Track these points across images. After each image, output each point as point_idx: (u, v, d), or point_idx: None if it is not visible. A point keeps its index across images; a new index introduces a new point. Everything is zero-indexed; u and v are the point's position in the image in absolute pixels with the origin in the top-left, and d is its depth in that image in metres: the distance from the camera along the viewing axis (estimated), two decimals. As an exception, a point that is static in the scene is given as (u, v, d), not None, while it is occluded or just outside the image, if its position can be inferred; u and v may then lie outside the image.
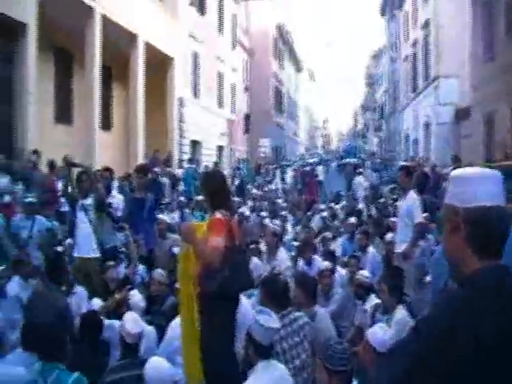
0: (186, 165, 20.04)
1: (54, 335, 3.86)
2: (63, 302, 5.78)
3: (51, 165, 11.56)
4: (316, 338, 4.94)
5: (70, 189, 7.95)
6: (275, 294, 4.85)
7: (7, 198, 9.73)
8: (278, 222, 11.49)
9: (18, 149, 13.31)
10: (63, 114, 17.44)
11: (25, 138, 13.45)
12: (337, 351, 3.49)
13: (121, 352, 4.68)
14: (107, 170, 8.77)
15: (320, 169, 26.56)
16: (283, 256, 7.84)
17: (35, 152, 11.97)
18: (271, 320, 3.92)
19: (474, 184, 1.75)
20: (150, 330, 5.43)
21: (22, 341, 4.44)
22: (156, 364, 3.84)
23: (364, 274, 6.63)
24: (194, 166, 19.72)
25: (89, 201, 7.74)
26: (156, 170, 14.36)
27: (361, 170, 22.27)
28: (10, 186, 10.49)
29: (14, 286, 6.29)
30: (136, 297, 5.65)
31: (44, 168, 12.08)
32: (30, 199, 8.63)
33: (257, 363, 3.86)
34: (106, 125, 19.75)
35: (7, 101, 13.55)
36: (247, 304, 5.70)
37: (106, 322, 5.22)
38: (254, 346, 3.88)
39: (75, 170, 8.02)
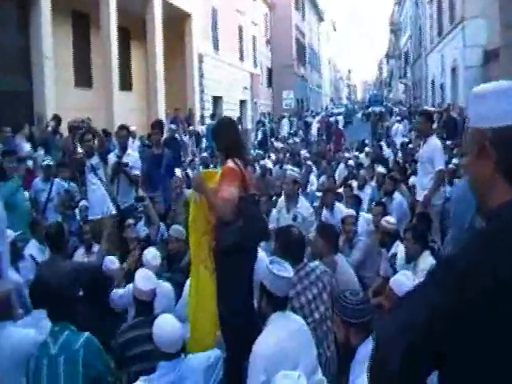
0: (208, 121, 19.74)
1: (61, 294, 3.79)
2: (72, 264, 5.85)
3: (70, 130, 11.45)
4: (336, 289, 4.75)
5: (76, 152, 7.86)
6: (289, 245, 4.64)
7: (29, 164, 9.70)
8: (298, 170, 11.11)
9: (38, 115, 13.39)
10: (82, 77, 17.28)
11: (45, 103, 13.54)
12: (350, 302, 3.26)
13: (134, 310, 4.58)
14: (123, 128, 8.57)
15: (341, 118, 26.09)
16: (304, 203, 7.59)
17: (55, 117, 11.89)
18: (285, 269, 3.71)
19: (501, 100, 1.47)
20: (167, 287, 5.33)
21: (31, 299, 4.46)
22: (164, 322, 3.70)
23: (389, 219, 6.40)
24: (210, 123, 19.37)
25: (96, 160, 7.62)
26: (172, 126, 14.13)
27: (398, 117, 21.74)
28: (32, 152, 10.47)
29: (32, 248, 6.28)
30: (149, 254, 5.53)
31: (65, 132, 12.01)
32: (47, 162, 8.55)
33: (270, 315, 3.69)
34: (126, 86, 19.61)
35: (26, 69, 13.64)
36: (264, 257, 5.56)
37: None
38: (268, 297, 3.69)
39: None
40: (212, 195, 4.42)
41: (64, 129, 11.70)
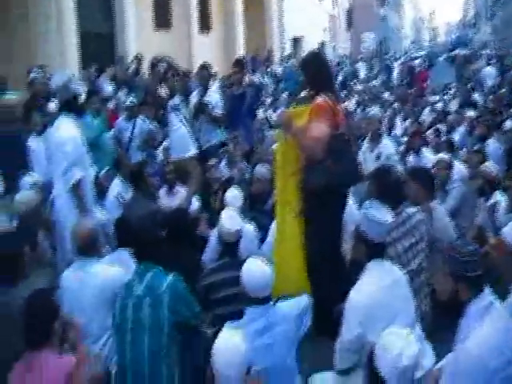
0: (286, 61, 19.17)
1: (144, 235, 3.66)
2: (156, 204, 5.79)
3: (152, 67, 11.36)
4: (433, 238, 4.44)
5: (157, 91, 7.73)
6: (387, 187, 4.31)
7: (112, 105, 9.68)
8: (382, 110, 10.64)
9: (120, 57, 13.51)
10: (162, 19, 17.18)
11: (126, 45, 13.81)
12: (462, 253, 2.85)
13: (219, 252, 4.46)
14: (204, 67, 8.34)
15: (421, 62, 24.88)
16: (388, 142, 7.21)
17: (136, 58, 11.83)
18: (383, 213, 3.42)
19: None
20: (250, 228, 5.16)
21: (116, 238, 4.41)
22: (254, 265, 3.50)
23: (490, 166, 5.95)
24: (294, 61, 18.73)
25: (177, 100, 7.46)
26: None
27: (491, 61, 20.49)
28: (114, 93, 10.47)
29: (116, 186, 6.26)
30: (231, 194, 5.38)
31: (146, 73, 11.98)
32: (130, 101, 8.49)
33: (366, 263, 3.43)
34: (205, 27, 19.41)
35: (108, 12, 13.91)
36: (354, 201, 5.29)
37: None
38: (365, 244, 3.42)
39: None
40: (301, 133, 4.18)
41: (145, 69, 11.68)
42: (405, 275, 3.61)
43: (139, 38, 13.91)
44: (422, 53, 34.10)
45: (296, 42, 25.39)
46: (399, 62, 28.74)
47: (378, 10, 44.26)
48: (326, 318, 3.89)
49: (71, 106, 5.30)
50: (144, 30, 15.01)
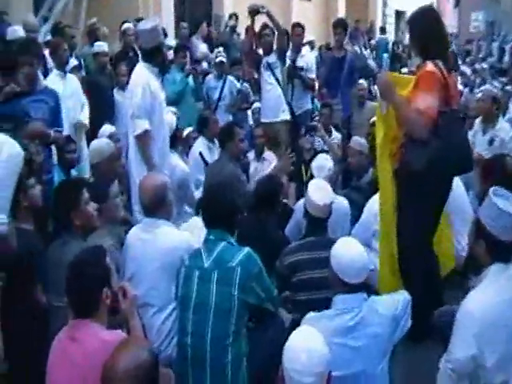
0: (378, 35, 18.07)
1: (226, 199, 3.15)
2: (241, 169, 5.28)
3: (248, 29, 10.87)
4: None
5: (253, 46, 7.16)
6: (507, 178, 3.66)
7: (205, 65, 9.24)
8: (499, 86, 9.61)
9: (216, 15, 13.14)
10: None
11: (223, 6, 13.31)
12: None
13: (306, 228, 3.86)
14: (298, 25, 7.69)
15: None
16: (504, 125, 6.32)
17: (233, 15, 11.30)
18: None
19: None
20: (343, 203, 4.59)
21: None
22: (347, 244, 2.93)
23: None
24: (386, 36, 17.63)
25: (273, 58, 6.90)
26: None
27: None
28: (209, 53, 10.02)
29: (200, 145, 5.85)
30: (318, 162, 4.82)
31: (242, 34, 11.53)
32: (220, 58, 7.99)
33: (489, 266, 2.74)
34: (306, -5, 18.67)
35: None
36: (462, 189, 4.55)
37: None
38: (489, 241, 2.72)
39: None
40: (403, 104, 3.50)
41: (242, 29, 11.21)
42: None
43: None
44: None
45: (399, 15, 24.17)
46: (511, 44, 27.10)
47: (490, -11, 41.81)
48: (423, 321, 3.29)
49: (153, 55, 4.84)
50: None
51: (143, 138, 4.71)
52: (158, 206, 3.46)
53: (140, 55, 5.54)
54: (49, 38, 7.55)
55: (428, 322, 3.33)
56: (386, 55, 15.60)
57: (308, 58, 7.68)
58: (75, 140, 5.33)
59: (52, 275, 3.10)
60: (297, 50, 7.59)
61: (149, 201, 3.47)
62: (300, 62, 7.48)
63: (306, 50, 7.92)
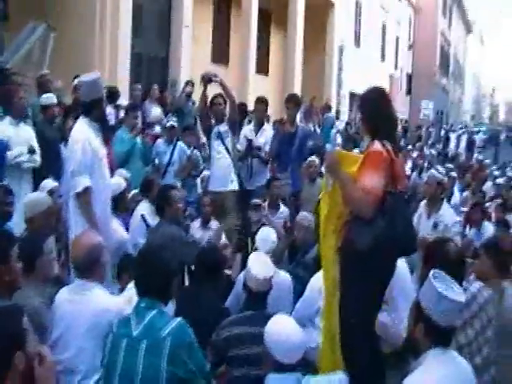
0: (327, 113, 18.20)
1: (162, 264, 2.98)
2: (181, 234, 5.14)
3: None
4: (503, 326, 3.59)
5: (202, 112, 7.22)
6: (449, 262, 3.52)
7: (157, 129, 9.20)
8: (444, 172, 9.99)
9: (172, 81, 13.22)
10: (219, 54, 17.09)
11: (179, 72, 13.43)
12: None
13: (245, 301, 3.75)
14: (261, 101, 7.76)
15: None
16: (448, 210, 6.42)
17: (189, 82, 11.37)
18: (455, 290, 2.63)
19: None
20: (286, 278, 4.52)
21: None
22: (281, 322, 2.87)
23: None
24: (332, 114, 17.76)
25: (224, 127, 6.90)
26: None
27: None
28: (161, 117, 9.99)
29: (143, 208, 5.68)
30: (263, 234, 4.76)
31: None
32: (171, 123, 7.98)
33: (427, 350, 2.63)
34: (263, 69, 19.26)
35: (165, 35, 13.71)
36: (406, 269, 4.51)
37: None
38: (428, 325, 2.62)
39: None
40: (349, 182, 3.47)
41: (197, 96, 11.30)
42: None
43: (194, 69, 13.59)
44: (483, 128, 33.66)
45: (353, 97, 24.98)
46: (457, 133, 28.39)
47: (439, 80, 43.83)
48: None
49: (93, 108, 4.72)
50: (200, 61, 14.77)
51: (84, 196, 4.55)
52: (91, 267, 3.29)
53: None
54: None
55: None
56: (333, 131, 15.79)
57: (268, 133, 7.73)
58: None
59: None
60: (259, 124, 7.71)
61: (81, 261, 3.30)
62: (261, 138, 7.54)
63: (266, 124, 8.00)
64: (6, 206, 4.79)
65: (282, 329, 2.82)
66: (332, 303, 3.74)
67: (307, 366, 3.12)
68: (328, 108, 17.44)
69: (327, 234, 3.76)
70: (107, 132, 5.22)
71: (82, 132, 4.68)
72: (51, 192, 5.11)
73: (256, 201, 6.42)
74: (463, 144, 23.51)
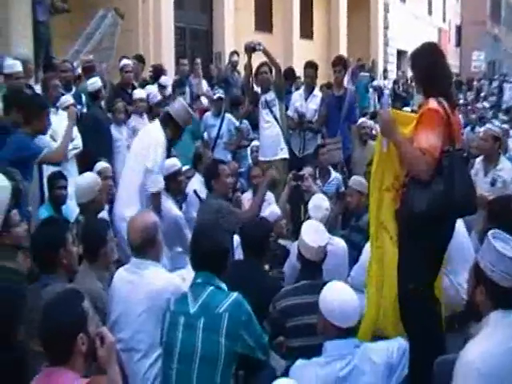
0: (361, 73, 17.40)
1: (213, 241, 3.04)
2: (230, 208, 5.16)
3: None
4: None
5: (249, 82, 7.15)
6: (508, 219, 3.51)
7: (205, 103, 9.21)
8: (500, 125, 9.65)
9: (216, 53, 13.27)
10: (263, 21, 16.88)
11: (222, 44, 13.48)
12: None
13: (300, 271, 3.72)
14: (311, 66, 7.59)
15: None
16: (507, 165, 6.18)
17: (234, 53, 11.27)
18: None
19: None
20: (341, 246, 4.47)
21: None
22: (335, 288, 2.87)
23: None
24: (366, 74, 16.57)
25: (271, 95, 6.83)
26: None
27: None
28: (209, 90, 9.99)
29: (195, 183, 5.74)
30: (314, 202, 4.68)
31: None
32: (218, 95, 7.96)
33: (489, 313, 2.55)
34: (307, 33, 18.92)
35: (208, 8, 13.74)
36: (464, 231, 4.40)
37: None
38: (488, 286, 2.53)
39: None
40: (405, 143, 3.36)
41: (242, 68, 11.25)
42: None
43: (237, 38, 13.54)
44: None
45: (401, 55, 24.36)
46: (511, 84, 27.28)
47: (491, 29, 42.23)
48: (422, 370, 3.12)
49: (174, 127, 5.09)
50: (244, 30, 14.70)
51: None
52: (147, 246, 3.31)
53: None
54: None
55: (429, 370, 3.16)
56: (369, 93, 15.08)
57: (319, 99, 7.58)
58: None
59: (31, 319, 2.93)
60: (309, 90, 7.60)
61: (138, 240, 3.32)
62: (311, 103, 7.44)
63: (316, 90, 7.86)
64: (59, 190, 4.98)
65: (337, 294, 2.84)
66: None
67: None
68: (361, 66, 16.73)
69: (380, 195, 3.72)
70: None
71: (162, 136, 4.97)
72: (99, 173, 5.21)
73: (308, 170, 6.33)
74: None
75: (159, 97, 7.59)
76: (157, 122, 5.15)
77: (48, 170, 5.33)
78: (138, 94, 7.30)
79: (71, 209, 5.05)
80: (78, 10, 9.67)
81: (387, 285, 3.72)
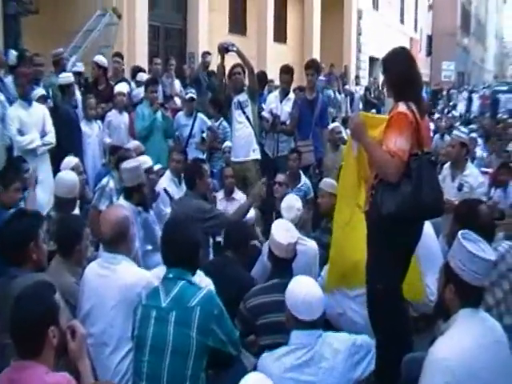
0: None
1: (190, 235, 3.05)
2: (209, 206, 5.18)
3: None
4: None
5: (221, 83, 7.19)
6: (478, 224, 3.49)
7: (177, 102, 9.18)
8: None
9: (190, 53, 13.24)
10: (237, 24, 16.94)
11: (196, 44, 13.42)
12: None
13: (271, 269, 3.77)
14: (287, 70, 7.56)
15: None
16: (473, 171, 6.30)
17: (207, 53, 11.27)
18: (485, 249, 2.59)
19: None
20: (312, 246, 4.52)
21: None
22: (301, 281, 2.98)
23: None
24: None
25: (244, 96, 6.83)
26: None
27: None
28: (181, 90, 9.95)
29: (166, 181, 5.79)
30: (287, 202, 4.74)
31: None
32: (190, 95, 7.96)
33: (457, 311, 2.60)
34: (280, 37, 19.07)
35: (182, 8, 13.69)
36: (432, 232, 4.49)
37: None
38: (458, 286, 2.59)
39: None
40: (374, 145, 3.41)
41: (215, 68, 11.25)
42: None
43: (211, 40, 13.51)
44: (505, 88, 32.91)
45: (372, 62, 24.64)
46: (480, 94, 27.74)
47: (460, 40, 42.99)
48: (390, 368, 3.20)
49: (133, 192, 4.81)
50: (217, 32, 14.68)
51: None
52: (118, 239, 3.29)
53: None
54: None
55: (396, 368, 3.21)
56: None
57: (287, 105, 7.60)
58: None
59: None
60: (285, 94, 7.61)
61: (109, 234, 3.31)
62: (285, 106, 7.46)
63: (291, 93, 7.85)
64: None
65: (301, 288, 2.91)
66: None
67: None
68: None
69: (346, 198, 3.93)
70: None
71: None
72: (73, 169, 5.13)
73: (277, 178, 6.32)
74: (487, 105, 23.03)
75: (142, 95, 7.67)
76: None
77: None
78: (118, 87, 7.38)
79: (40, 205, 4.99)
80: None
81: (351, 242, 3.92)
